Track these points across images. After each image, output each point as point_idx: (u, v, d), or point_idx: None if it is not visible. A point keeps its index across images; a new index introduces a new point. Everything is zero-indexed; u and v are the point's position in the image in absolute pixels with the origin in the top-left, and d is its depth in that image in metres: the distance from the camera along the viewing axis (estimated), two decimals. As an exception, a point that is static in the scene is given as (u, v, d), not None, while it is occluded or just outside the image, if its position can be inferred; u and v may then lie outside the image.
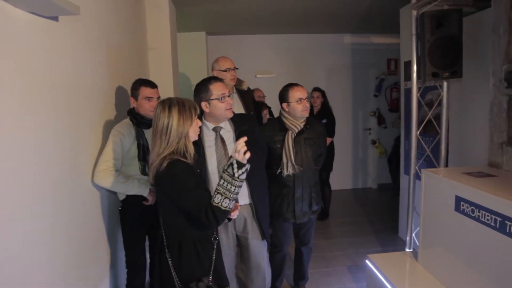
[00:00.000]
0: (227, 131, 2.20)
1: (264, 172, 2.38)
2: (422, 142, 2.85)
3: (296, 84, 2.56)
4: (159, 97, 2.40)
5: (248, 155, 1.52)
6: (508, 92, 2.35)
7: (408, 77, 3.72)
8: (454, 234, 2.16)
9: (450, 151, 2.96)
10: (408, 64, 3.67)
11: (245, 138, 1.55)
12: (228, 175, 1.53)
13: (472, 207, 1.99)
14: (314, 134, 2.61)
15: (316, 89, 4.66)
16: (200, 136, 2.07)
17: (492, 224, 1.84)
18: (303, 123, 2.55)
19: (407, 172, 3.91)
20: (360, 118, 6.26)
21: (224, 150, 2.16)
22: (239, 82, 3.01)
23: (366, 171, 6.37)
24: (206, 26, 5.16)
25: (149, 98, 2.36)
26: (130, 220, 2.39)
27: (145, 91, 2.36)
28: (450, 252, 2.21)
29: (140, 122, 2.36)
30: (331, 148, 4.53)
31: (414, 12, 2.56)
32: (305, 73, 5.75)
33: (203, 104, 2.05)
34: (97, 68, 2.34)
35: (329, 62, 5.99)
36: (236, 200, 1.69)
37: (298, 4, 4.16)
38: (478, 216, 1.94)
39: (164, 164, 1.58)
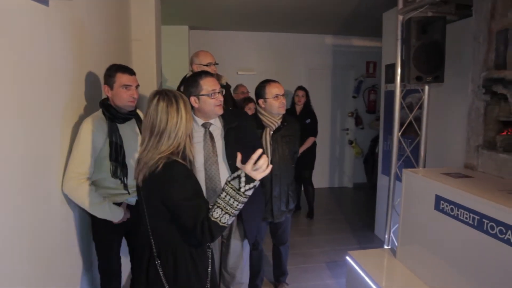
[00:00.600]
0: (217, 128, 2.13)
1: None
2: (403, 143, 2.95)
3: (273, 80, 2.54)
4: (138, 86, 2.15)
5: (267, 172, 1.38)
6: (485, 98, 2.47)
7: (389, 80, 3.84)
8: (434, 232, 2.25)
9: (427, 153, 3.07)
10: (390, 67, 3.80)
11: (260, 151, 1.39)
12: (232, 188, 1.36)
13: (452, 206, 2.09)
14: (290, 132, 2.60)
15: (300, 87, 4.63)
16: (193, 129, 2.03)
17: (471, 222, 1.94)
18: (280, 120, 2.54)
19: (385, 172, 4.05)
20: (338, 118, 6.38)
21: (213, 147, 2.09)
22: (217, 77, 2.98)
23: (342, 170, 6.51)
24: (189, 20, 5.12)
25: (127, 86, 2.06)
26: (100, 231, 2.15)
27: (122, 78, 2.05)
28: (429, 249, 2.31)
29: (114, 115, 2.06)
30: (313, 147, 4.55)
31: (400, 17, 2.65)
32: (286, 72, 5.81)
33: (192, 99, 1.99)
34: (61, 51, 1.95)
35: (310, 62, 6.08)
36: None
37: (282, 3, 4.19)
38: (457, 214, 2.04)
39: (160, 165, 1.40)
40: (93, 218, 2.10)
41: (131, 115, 2.18)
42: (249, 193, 1.38)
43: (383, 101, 4.08)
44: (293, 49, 6.02)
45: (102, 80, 2.15)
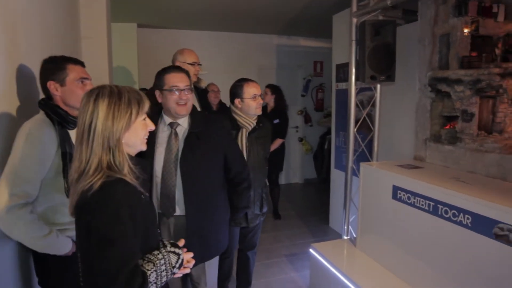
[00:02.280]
0: (184, 130, 1.96)
1: (220, 177, 2.08)
2: (359, 138, 3.14)
3: (250, 80, 2.44)
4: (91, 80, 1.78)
5: (186, 271, 1.29)
6: (431, 95, 2.72)
7: (340, 79, 4.05)
8: (392, 220, 2.43)
9: (379, 146, 3.29)
10: (341, 67, 4.00)
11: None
12: (169, 261, 1.19)
13: (409, 195, 2.27)
14: (265, 133, 2.53)
15: (268, 85, 4.44)
16: (156, 131, 1.90)
17: (427, 208, 2.13)
18: (255, 121, 2.46)
19: (338, 166, 4.26)
20: (288, 116, 6.55)
21: (176, 151, 1.91)
22: (198, 80, 2.86)
23: (293, 167, 6.70)
24: (137, 17, 4.97)
25: (83, 80, 1.69)
26: (53, 274, 1.63)
27: (76, 70, 1.67)
28: (388, 236, 2.49)
29: (64, 119, 1.61)
30: (282, 148, 4.43)
31: (355, 20, 2.82)
32: (237, 71, 5.80)
33: (157, 93, 1.88)
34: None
35: (260, 61, 6.18)
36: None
37: (231, 3, 4.23)
38: (414, 202, 2.23)
39: (96, 186, 1.05)
40: (38, 256, 1.62)
41: None
42: (175, 273, 1.23)
43: (334, 99, 4.28)
44: (243, 48, 6.08)
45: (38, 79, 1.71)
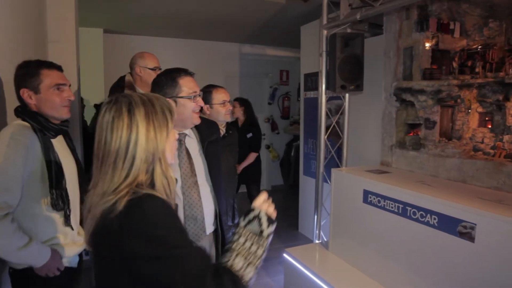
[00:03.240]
0: (193, 141, 1.77)
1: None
2: (329, 145, 3.26)
3: (219, 86, 2.45)
4: (70, 86, 1.67)
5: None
6: (396, 104, 2.89)
7: (309, 88, 4.18)
8: (363, 223, 2.55)
9: (348, 153, 3.43)
10: (309, 76, 4.14)
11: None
12: (251, 232, 1.04)
13: (379, 198, 2.40)
14: (233, 141, 2.52)
15: (237, 99, 4.31)
16: None
17: (396, 210, 2.26)
18: (225, 128, 2.45)
19: (307, 173, 4.37)
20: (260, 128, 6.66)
21: (190, 165, 1.71)
22: None
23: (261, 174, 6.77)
24: (103, 23, 4.89)
25: (59, 87, 1.57)
26: None
27: (52, 76, 1.55)
28: (360, 239, 2.60)
29: (45, 126, 1.53)
30: (257, 162, 4.21)
31: (325, 32, 2.95)
32: (203, 79, 5.75)
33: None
34: None
35: (227, 69, 6.23)
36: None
37: (198, 10, 4.26)
38: (384, 205, 2.36)
39: (121, 206, 0.89)
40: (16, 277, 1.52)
41: (65, 126, 1.66)
42: (270, 239, 1.08)
43: (303, 107, 4.41)
44: (210, 56, 6.11)
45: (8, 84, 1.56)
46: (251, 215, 1.07)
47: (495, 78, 2.39)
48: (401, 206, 2.23)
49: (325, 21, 2.94)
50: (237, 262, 0.98)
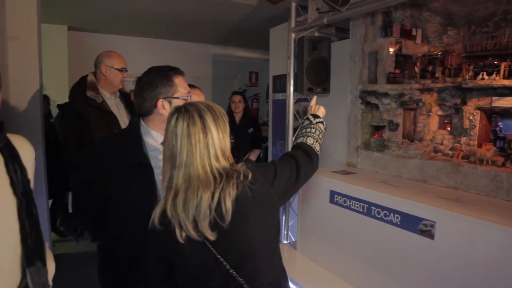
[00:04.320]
0: None
1: None
2: (296, 146, 3.30)
3: (194, 86, 2.26)
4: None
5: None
6: (361, 107, 2.97)
7: (277, 90, 4.22)
8: (330, 223, 2.60)
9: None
10: (277, 78, 4.18)
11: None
12: (306, 126, 1.57)
13: (344, 198, 2.46)
14: None
15: (236, 92, 4.16)
16: (145, 152, 1.49)
17: (361, 210, 2.33)
18: None
19: (275, 174, 4.40)
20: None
21: None
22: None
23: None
24: (68, 19, 4.73)
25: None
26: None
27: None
28: (327, 238, 2.65)
29: None
30: (259, 160, 4.03)
31: (293, 35, 2.99)
32: (172, 80, 5.80)
33: (161, 102, 1.48)
34: None
35: (196, 70, 6.17)
36: None
37: (167, 10, 4.22)
38: (349, 205, 2.42)
39: (247, 176, 1.16)
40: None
41: None
42: (321, 126, 1.61)
43: (271, 109, 4.44)
44: (179, 57, 6.02)
45: None
46: (303, 120, 1.64)
47: (454, 83, 2.51)
48: (365, 206, 2.30)
49: (293, 24, 2.99)
50: (309, 141, 1.52)
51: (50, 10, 4.21)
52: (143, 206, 1.30)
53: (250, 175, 1.15)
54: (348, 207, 2.43)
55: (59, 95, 4.57)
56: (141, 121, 1.54)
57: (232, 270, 1.14)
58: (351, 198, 2.41)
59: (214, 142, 1.13)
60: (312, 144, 1.50)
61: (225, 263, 1.13)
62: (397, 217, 2.09)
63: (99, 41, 5.38)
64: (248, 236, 1.17)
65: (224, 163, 1.15)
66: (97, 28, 5.21)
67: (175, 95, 1.51)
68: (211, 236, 1.10)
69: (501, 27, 2.53)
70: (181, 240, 1.11)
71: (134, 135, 1.50)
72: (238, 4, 3.96)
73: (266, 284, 1.20)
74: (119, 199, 1.44)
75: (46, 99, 4.41)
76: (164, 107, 1.48)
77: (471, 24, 2.69)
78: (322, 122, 1.61)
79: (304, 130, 1.57)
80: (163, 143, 1.21)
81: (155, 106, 1.48)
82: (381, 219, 2.19)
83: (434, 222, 1.90)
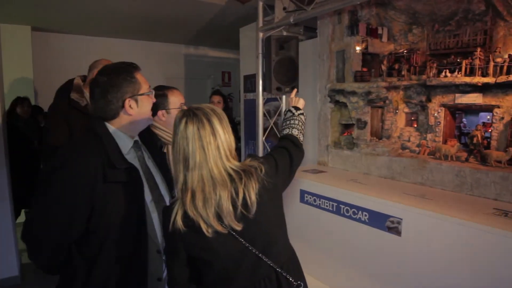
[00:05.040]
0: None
1: None
2: (267, 146, 3.28)
3: (172, 87, 2.11)
4: None
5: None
6: (330, 105, 2.98)
7: (248, 89, 4.19)
8: (301, 222, 2.60)
9: (287, 154, 3.48)
10: (248, 78, 4.14)
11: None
12: (289, 118, 1.64)
13: (314, 197, 2.45)
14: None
15: (217, 92, 4.05)
16: (124, 154, 1.41)
17: (330, 208, 2.33)
18: None
19: (249, 174, 4.37)
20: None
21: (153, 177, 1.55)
22: None
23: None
24: (31, 20, 4.54)
25: None
26: None
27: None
28: (297, 237, 2.63)
29: None
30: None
31: (261, 35, 2.96)
32: (143, 81, 5.69)
33: (129, 102, 1.41)
34: None
35: (168, 71, 6.09)
36: None
37: (135, 10, 4.12)
38: (319, 204, 2.41)
39: (261, 170, 1.26)
40: None
41: None
42: (302, 117, 1.69)
43: (243, 109, 4.41)
44: (149, 57, 5.93)
45: None
46: (285, 112, 1.70)
47: (419, 81, 2.55)
48: (335, 204, 2.30)
49: (260, 24, 2.96)
50: (294, 132, 1.60)
51: (11, 9, 4.03)
52: (132, 211, 1.33)
53: (264, 169, 1.26)
54: (318, 206, 2.43)
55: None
56: (107, 124, 1.42)
57: (261, 255, 1.25)
58: (320, 197, 2.41)
59: (223, 143, 1.21)
60: (297, 135, 1.60)
61: (254, 250, 1.24)
62: (365, 215, 2.10)
63: (65, 42, 5.21)
64: (270, 222, 1.30)
65: (233, 161, 1.24)
66: (64, 29, 5.03)
67: (140, 92, 1.42)
68: (238, 227, 1.20)
69: (462, 25, 2.58)
70: (208, 235, 1.17)
71: (109, 139, 1.38)
72: (207, 4, 3.91)
73: (286, 261, 1.35)
74: (106, 210, 1.31)
75: (25, 101, 4.20)
76: (131, 107, 1.40)
77: (435, 22, 2.74)
78: (303, 114, 1.70)
79: (288, 122, 1.65)
80: (172, 146, 1.25)
81: (122, 106, 1.38)
82: (350, 217, 2.19)
83: (401, 219, 1.91)
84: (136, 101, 1.41)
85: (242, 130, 4.48)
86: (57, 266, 1.35)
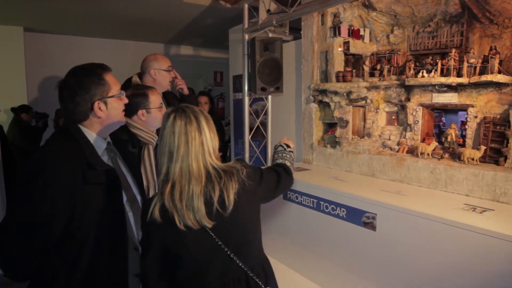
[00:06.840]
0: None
1: None
2: (254, 145, 3.36)
3: (152, 87, 2.10)
4: None
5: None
6: (314, 105, 3.06)
7: (237, 89, 4.26)
8: (284, 219, 2.67)
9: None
10: (237, 78, 4.21)
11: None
12: (281, 151, 1.87)
13: (297, 195, 2.52)
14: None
15: (203, 93, 4.05)
16: (102, 155, 1.44)
17: (311, 205, 2.40)
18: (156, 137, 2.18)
19: (238, 173, 4.44)
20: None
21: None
22: None
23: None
24: (23, 21, 4.59)
25: None
26: None
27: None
28: (280, 233, 2.71)
29: None
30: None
31: (246, 36, 3.03)
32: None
33: (98, 105, 1.40)
34: None
35: (159, 71, 6.14)
36: None
37: (126, 11, 4.17)
38: (301, 200, 2.49)
39: (242, 171, 1.32)
40: None
41: None
42: (292, 154, 1.93)
43: (232, 109, 4.48)
44: (141, 58, 5.96)
45: None
46: (277, 146, 1.94)
47: (398, 81, 2.63)
48: (315, 201, 2.37)
49: (246, 25, 3.03)
50: (287, 163, 1.82)
51: (4, 11, 4.07)
52: (112, 211, 1.38)
53: (245, 171, 1.32)
54: (300, 203, 2.50)
55: (16, 98, 4.46)
56: (81, 127, 1.42)
57: (233, 255, 1.27)
58: (302, 194, 2.48)
59: (207, 140, 1.27)
60: (289, 165, 1.82)
61: (226, 248, 1.25)
62: (343, 211, 2.17)
63: (59, 42, 5.27)
64: (245, 224, 1.33)
65: (216, 161, 1.29)
66: (55, 30, 5.08)
67: (109, 94, 1.42)
68: (209, 224, 1.22)
69: (441, 27, 2.66)
70: (180, 227, 1.20)
71: (85, 142, 1.38)
72: (190, 4, 3.96)
73: (257, 264, 1.38)
74: (86, 212, 1.32)
75: (26, 108, 4.32)
76: (100, 109, 1.40)
77: (415, 24, 2.82)
78: (292, 151, 1.91)
79: (280, 154, 1.85)
80: (159, 140, 1.30)
81: (92, 109, 1.38)
82: (328, 213, 2.27)
83: (375, 214, 1.99)
84: (106, 103, 1.40)
85: (232, 129, 4.55)
86: (29, 272, 1.31)
